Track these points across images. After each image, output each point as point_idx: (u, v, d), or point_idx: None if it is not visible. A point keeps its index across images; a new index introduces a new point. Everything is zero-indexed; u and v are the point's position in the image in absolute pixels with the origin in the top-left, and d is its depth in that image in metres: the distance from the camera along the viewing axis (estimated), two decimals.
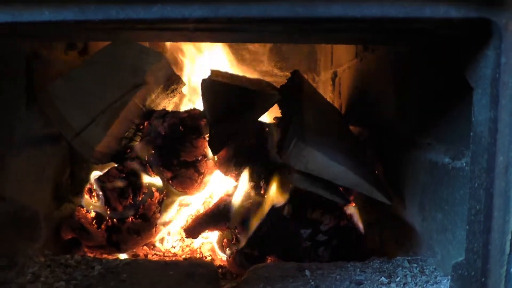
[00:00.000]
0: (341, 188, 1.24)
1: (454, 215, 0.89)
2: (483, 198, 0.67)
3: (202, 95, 1.36)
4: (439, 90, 0.99)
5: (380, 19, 0.65)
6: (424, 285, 0.90)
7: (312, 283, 0.94)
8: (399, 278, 0.94)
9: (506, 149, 0.63)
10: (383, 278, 0.94)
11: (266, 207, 1.27)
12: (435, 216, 0.97)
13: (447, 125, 0.95)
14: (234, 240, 1.34)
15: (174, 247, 1.58)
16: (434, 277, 0.93)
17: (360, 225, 1.33)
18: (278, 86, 1.58)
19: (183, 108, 1.76)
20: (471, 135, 0.72)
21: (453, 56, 0.87)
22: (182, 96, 1.78)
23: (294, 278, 0.97)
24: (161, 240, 1.58)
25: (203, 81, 1.35)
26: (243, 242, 1.26)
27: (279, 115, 1.52)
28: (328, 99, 2.02)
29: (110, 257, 1.30)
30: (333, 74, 2.15)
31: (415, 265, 0.99)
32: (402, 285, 0.91)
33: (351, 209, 1.37)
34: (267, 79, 1.88)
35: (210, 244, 1.55)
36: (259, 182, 1.35)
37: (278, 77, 2.42)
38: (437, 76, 1.00)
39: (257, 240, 1.26)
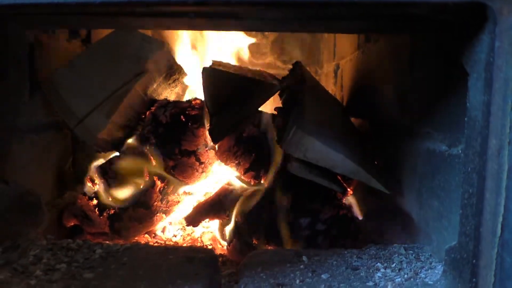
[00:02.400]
0: (339, 177, 1.25)
1: (450, 201, 0.89)
2: (476, 181, 0.68)
3: (203, 84, 1.36)
4: (438, 79, 0.99)
5: (375, 3, 0.65)
6: (419, 271, 0.90)
7: (309, 268, 0.95)
8: (394, 264, 0.95)
9: (499, 132, 0.64)
10: (378, 264, 0.95)
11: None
12: (432, 204, 0.98)
13: (445, 113, 0.95)
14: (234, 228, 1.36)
15: (175, 236, 1.59)
16: (429, 263, 0.94)
17: (359, 214, 1.34)
18: (280, 78, 1.59)
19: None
20: (465, 120, 0.73)
21: (450, 46, 0.87)
22: (185, 87, 1.78)
23: (292, 263, 0.98)
24: (163, 229, 1.60)
25: (204, 69, 1.35)
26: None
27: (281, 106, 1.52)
28: (330, 91, 2.02)
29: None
30: (336, 66, 2.15)
31: (411, 252, 1.00)
32: (397, 271, 0.92)
33: (350, 198, 1.38)
34: (270, 71, 1.88)
35: (211, 234, 1.56)
36: (259, 171, 1.36)
37: (280, 69, 2.42)
38: (436, 66, 1.00)
39: (257, 228, 1.28)
